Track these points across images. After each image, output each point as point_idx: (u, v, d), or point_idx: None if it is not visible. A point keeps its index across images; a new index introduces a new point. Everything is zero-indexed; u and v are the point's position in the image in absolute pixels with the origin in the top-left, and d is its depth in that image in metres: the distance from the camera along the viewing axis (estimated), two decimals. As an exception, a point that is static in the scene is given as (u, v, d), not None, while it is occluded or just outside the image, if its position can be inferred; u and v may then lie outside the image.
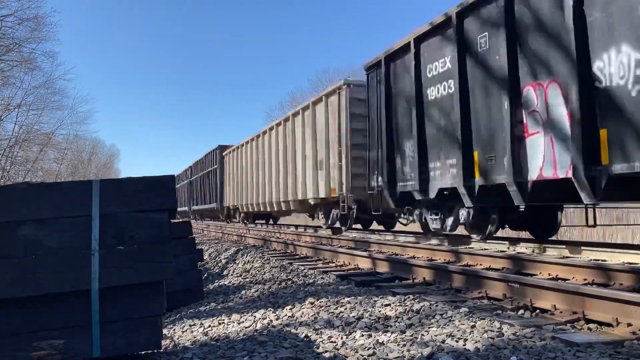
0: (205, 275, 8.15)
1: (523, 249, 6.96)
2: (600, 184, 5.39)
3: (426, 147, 8.48)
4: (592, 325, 3.36)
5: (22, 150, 26.52)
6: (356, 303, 4.25)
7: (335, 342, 3.29)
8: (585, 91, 5.55)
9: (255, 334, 3.67)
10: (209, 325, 4.26)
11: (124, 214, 2.95)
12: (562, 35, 5.86)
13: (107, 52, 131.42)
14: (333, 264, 7.11)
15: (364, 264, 6.56)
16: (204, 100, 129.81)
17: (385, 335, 3.31)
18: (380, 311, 3.95)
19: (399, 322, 3.60)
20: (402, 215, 10.22)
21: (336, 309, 4.17)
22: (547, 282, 3.98)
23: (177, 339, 3.94)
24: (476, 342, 2.95)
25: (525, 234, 9.19)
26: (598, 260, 5.75)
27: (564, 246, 6.58)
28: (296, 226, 18.52)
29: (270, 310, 4.40)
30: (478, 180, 7.26)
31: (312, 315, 4.06)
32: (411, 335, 3.24)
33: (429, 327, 3.40)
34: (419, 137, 8.56)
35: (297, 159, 14.66)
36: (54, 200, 2.86)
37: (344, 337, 3.37)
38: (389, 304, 4.08)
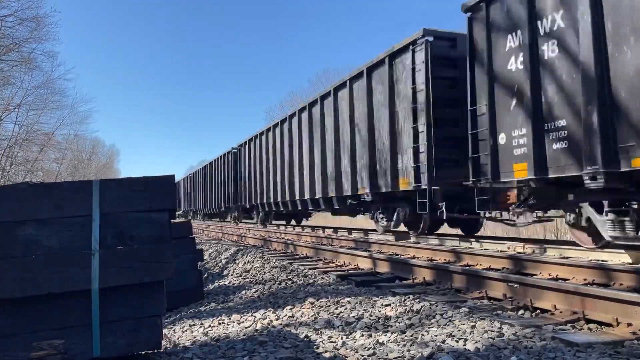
0: (205, 275, 8.14)
1: (520, 248, 6.96)
2: None
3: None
4: (592, 326, 3.36)
5: (22, 150, 26.47)
6: (356, 303, 4.25)
7: (335, 342, 3.29)
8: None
9: (255, 334, 3.67)
10: (209, 325, 4.26)
11: (124, 214, 2.95)
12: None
13: (107, 52, 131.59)
14: (333, 264, 7.11)
15: (365, 264, 6.56)
16: (205, 101, 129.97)
17: (386, 335, 3.31)
18: (380, 311, 3.95)
19: (399, 322, 3.60)
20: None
21: (336, 309, 4.17)
22: (547, 282, 3.98)
23: (177, 339, 3.94)
24: (476, 342, 2.94)
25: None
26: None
27: (565, 246, 6.57)
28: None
29: (270, 311, 4.40)
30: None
31: (312, 316, 4.06)
32: (411, 335, 3.24)
33: (429, 327, 3.40)
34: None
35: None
36: (54, 200, 2.85)
37: (344, 337, 3.37)
38: (389, 304, 4.08)
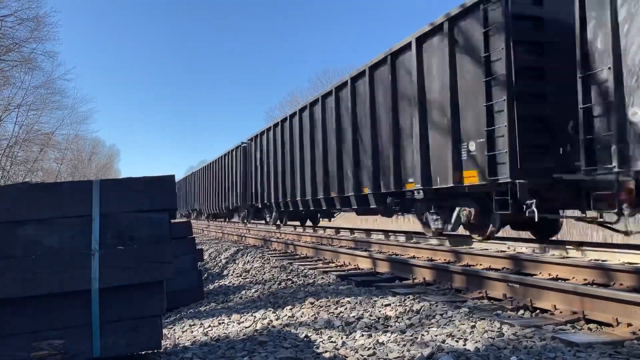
0: (205, 275, 8.14)
1: (523, 248, 6.96)
2: None
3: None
4: (592, 326, 3.36)
5: (22, 150, 26.49)
6: (356, 303, 4.25)
7: (335, 342, 3.29)
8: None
9: (255, 334, 3.67)
10: (209, 325, 4.26)
11: (124, 214, 2.95)
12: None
13: (107, 52, 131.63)
14: (333, 264, 7.11)
15: (365, 264, 6.56)
16: (205, 101, 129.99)
17: (386, 335, 3.31)
18: (380, 311, 3.95)
19: (399, 322, 3.60)
20: None
21: (336, 309, 4.17)
22: (547, 282, 3.98)
23: (177, 339, 3.94)
24: (476, 342, 2.95)
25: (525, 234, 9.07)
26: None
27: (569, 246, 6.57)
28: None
29: (270, 310, 4.40)
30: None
31: (312, 315, 4.06)
32: (411, 335, 3.24)
33: (429, 327, 3.40)
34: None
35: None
36: (54, 200, 2.86)
37: (344, 337, 3.37)
38: (389, 304, 4.08)
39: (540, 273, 5.09)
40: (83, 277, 2.77)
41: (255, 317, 4.27)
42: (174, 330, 4.34)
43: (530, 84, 6.72)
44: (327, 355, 3.02)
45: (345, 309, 4.13)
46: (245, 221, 20.64)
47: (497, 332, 3.13)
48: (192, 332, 4.17)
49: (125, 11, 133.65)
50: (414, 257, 6.87)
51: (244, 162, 20.34)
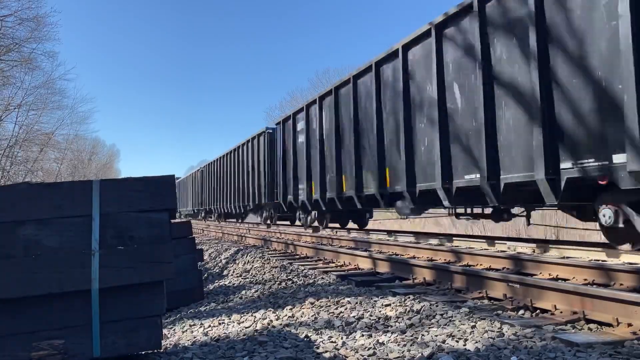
0: (205, 275, 8.14)
1: (524, 248, 6.96)
2: None
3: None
4: (592, 326, 3.35)
5: (22, 150, 26.47)
6: (356, 303, 4.25)
7: (335, 342, 3.29)
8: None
9: (255, 334, 3.67)
10: (209, 325, 4.26)
11: (124, 214, 2.95)
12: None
13: (107, 52, 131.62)
14: (333, 264, 7.11)
15: (365, 264, 6.56)
16: (205, 101, 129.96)
17: (386, 335, 3.30)
18: (380, 311, 3.95)
19: (399, 322, 3.60)
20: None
21: (336, 309, 4.17)
22: (547, 282, 3.97)
23: (177, 339, 3.94)
24: (476, 342, 2.94)
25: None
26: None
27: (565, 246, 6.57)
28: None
29: (270, 311, 4.40)
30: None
31: (312, 316, 4.06)
32: (411, 336, 3.24)
33: (429, 327, 3.40)
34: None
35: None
36: (54, 200, 2.85)
37: (344, 337, 3.37)
38: (389, 304, 4.08)
39: (541, 273, 5.08)
40: (83, 277, 2.77)
41: (255, 317, 4.27)
42: (174, 330, 4.34)
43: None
44: (327, 355, 3.02)
45: (346, 309, 4.13)
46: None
47: (497, 332, 3.13)
48: (192, 332, 4.17)
49: (125, 11, 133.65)
50: (414, 257, 6.86)
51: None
